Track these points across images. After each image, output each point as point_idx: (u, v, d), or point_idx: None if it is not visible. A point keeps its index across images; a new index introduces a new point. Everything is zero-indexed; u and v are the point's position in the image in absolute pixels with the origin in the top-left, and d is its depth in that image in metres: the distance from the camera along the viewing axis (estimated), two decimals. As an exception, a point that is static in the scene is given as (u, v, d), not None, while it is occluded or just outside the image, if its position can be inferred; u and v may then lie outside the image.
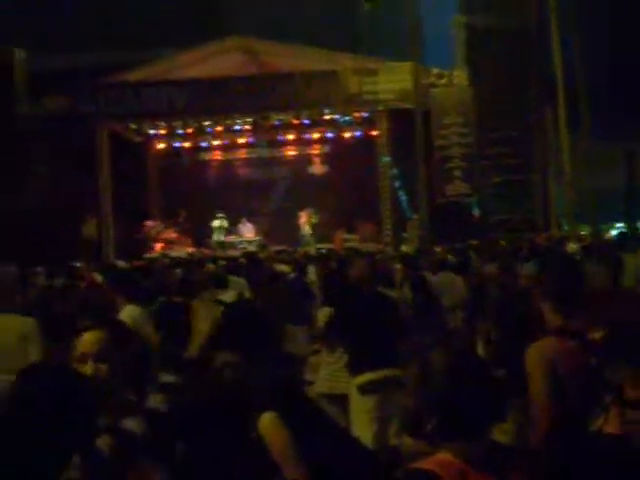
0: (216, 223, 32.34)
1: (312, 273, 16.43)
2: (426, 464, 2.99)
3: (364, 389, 8.02)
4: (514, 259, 13.96)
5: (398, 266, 16.08)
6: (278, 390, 3.78)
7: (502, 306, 8.47)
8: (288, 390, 3.92)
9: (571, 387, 4.35)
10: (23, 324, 7.76)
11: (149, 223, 32.74)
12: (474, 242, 18.65)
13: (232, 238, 32.41)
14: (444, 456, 2.99)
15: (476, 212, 30.49)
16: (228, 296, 10.29)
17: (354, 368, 8.17)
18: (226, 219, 32.36)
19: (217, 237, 32.21)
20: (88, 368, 3.70)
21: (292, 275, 15.54)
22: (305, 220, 32.22)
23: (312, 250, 27.93)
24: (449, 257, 16.90)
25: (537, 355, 4.48)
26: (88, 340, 3.80)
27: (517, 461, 3.12)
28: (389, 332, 7.93)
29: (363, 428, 7.95)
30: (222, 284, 11.85)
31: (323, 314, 9.26)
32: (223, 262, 18.87)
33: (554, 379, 4.37)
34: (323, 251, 25.08)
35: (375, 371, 7.94)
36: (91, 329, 3.84)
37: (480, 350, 8.73)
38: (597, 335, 4.07)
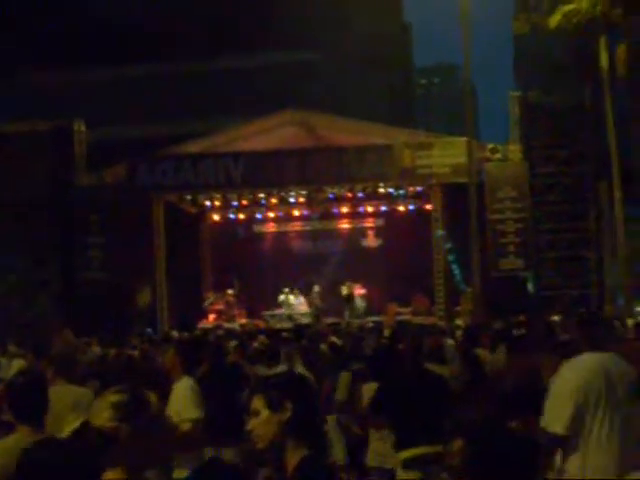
0: (282, 297, 32.46)
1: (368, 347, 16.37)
2: None
3: (408, 464, 7.99)
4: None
5: (450, 341, 15.97)
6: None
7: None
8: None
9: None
10: (76, 394, 7.86)
11: (207, 294, 33.10)
12: (521, 318, 18.40)
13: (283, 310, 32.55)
14: None
15: (530, 287, 30.29)
16: (278, 370, 10.28)
17: (399, 443, 8.14)
18: (292, 293, 32.49)
19: (286, 311, 32.21)
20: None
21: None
22: (348, 292, 32.28)
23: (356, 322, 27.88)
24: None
25: None
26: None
27: None
28: (433, 409, 7.90)
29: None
30: (274, 358, 11.82)
31: (369, 388, 9.23)
32: (285, 334, 18.90)
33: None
34: (370, 324, 24.99)
35: (419, 447, 7.89)
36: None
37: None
38: None
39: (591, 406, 5.86)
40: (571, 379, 6.01)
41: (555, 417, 5.91)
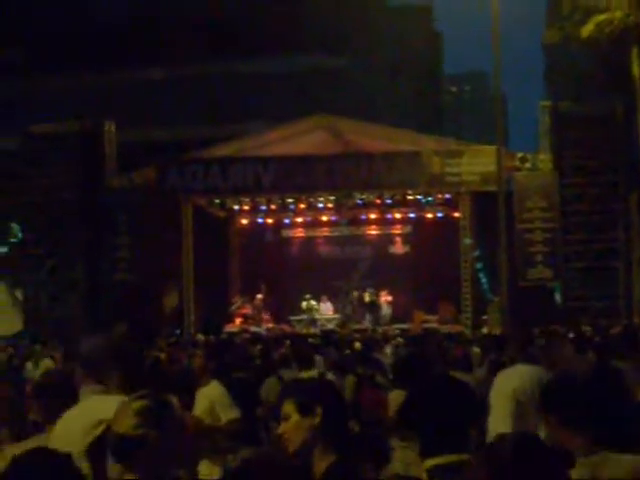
0: (304, 305, 32.40)
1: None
2: None
3: (432, 472, 7.94)
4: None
5: (476, 349, 15.93)
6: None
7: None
8: None
9: None
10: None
11: (234, 298, 33.14)
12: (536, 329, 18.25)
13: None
14: None
15: (558, 297, 30.12)
16: (310, 375, 10.23)
17: (424, 451, 8.11)
18: (314, 300, 32.44)
19: (309, 316, 32.15)
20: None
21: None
22: (370, 299, 32.24)
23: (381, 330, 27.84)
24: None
25: None
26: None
27: None
28: (460, 416, 7.89)
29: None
30: (307, 363, 11.74)
31: (395, 397, 9.16)
32: (312, 340, 18.95)
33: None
34: (397, 331, 24.98)
35: (444, 456, 7.86)
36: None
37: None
38: None
39: (527, 406, 6.73)
40: (508, 385, 7.02)
41: (500, 419, 6.80)
